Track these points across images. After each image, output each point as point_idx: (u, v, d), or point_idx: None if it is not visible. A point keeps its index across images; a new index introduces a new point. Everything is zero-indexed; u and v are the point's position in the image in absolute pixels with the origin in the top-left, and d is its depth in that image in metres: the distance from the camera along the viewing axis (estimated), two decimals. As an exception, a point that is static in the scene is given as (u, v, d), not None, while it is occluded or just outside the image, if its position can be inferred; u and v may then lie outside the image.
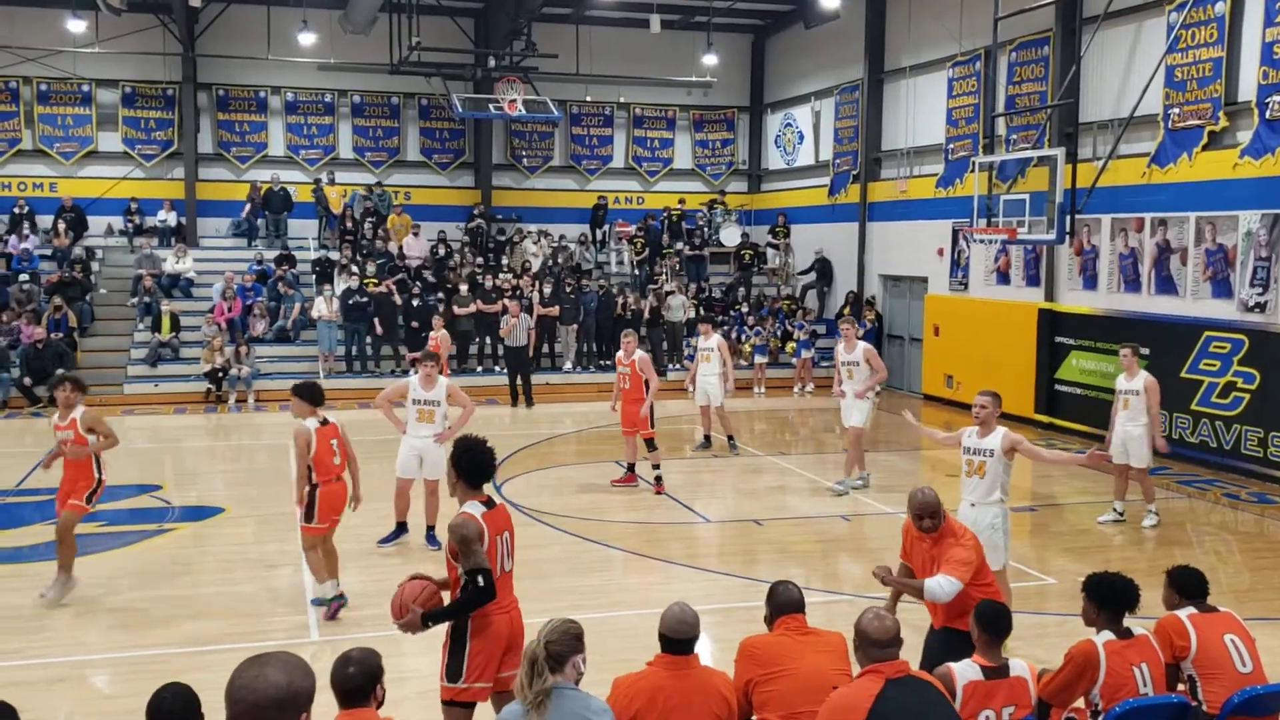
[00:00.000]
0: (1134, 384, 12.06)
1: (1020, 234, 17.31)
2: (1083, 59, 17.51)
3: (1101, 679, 5.31)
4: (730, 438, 16.45)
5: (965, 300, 20.84)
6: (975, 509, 8.19)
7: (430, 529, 11.05)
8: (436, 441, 10.89)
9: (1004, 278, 19.93)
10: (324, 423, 9.04)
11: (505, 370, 21.77)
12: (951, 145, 21.26)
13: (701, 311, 24.04)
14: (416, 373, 11.50)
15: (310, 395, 8.98)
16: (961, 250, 20.99)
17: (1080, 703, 5.44)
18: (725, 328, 23.93)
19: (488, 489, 5.98)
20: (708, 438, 16.71)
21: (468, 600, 5.52)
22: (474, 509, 5.74)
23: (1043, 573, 10.44)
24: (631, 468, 13.96)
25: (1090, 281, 17.87)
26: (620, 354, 13.92)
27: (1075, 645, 5.48)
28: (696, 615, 5.01)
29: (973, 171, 19.16)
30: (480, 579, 5.45)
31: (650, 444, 13.58)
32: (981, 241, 19.01)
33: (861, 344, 13.73)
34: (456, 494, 5.88)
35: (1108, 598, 5.55)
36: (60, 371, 16.56)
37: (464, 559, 5.50)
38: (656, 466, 13.60)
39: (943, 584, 6.26)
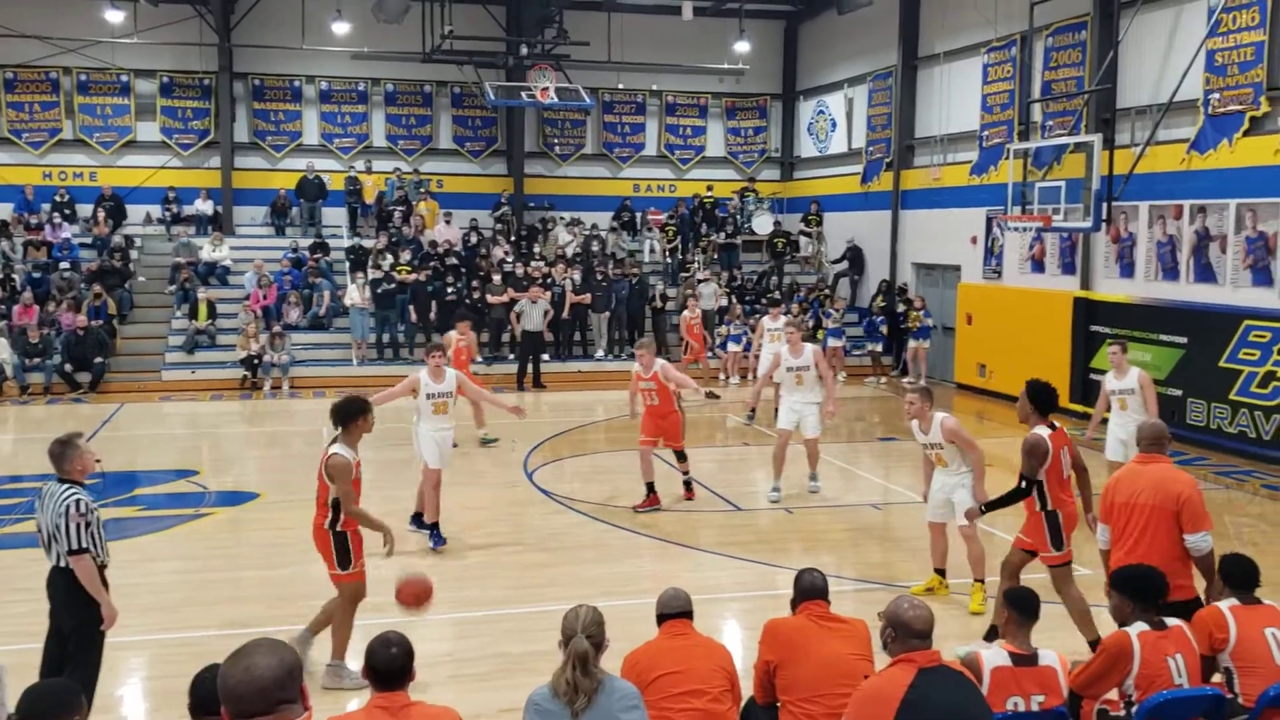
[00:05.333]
0: (1128, 382, 11.42)
1: (1055, 221, 17.14)
2: (1121, 44, 17.30)
3: (1135, 670, 5.27)
4: (777, 410, 16.48)
5: (999, 289, 20.68)
6: (949, 488, 9.04)
7: (418, 514, 11.04)
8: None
9: (1038, 266, 19.76)
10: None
11: (516, 356, 22.10)
12: (986, 132, 21.09)
13: (733, 300, 24.02)
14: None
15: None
16: (995, 238, 20.83)
17: (1114, 694, 5.41)
18: (757, 316, 23.89)
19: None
20: (753, 411, 16.80)
21: (1014, 495, 7.62)
22: (1042, 431, 7.54)
23: (1077, 563, 10.35)
24: (651, 486, 12.25)
25: (1127, 270, 17.69)
26: (638, 368, 12.14)
27: (1108, 636, 5.45)
28: (687, 593, 5.47)
29: (1007, 158, 18.99)
30: (1024, 484, 7.51)
31: (681, 455, 12.54)
32: (1016, 229, 18.86)
33: (810, 346, 12.81)
34: (1029, 421, 7.69)
35: (1137, 590, 5.51)
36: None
37: (1025, 465, 7.46)
38: (686, 473, 12.68)
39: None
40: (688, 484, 12.72)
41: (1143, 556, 6.23)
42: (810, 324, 23.89)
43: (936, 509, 9.17)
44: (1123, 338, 14.81)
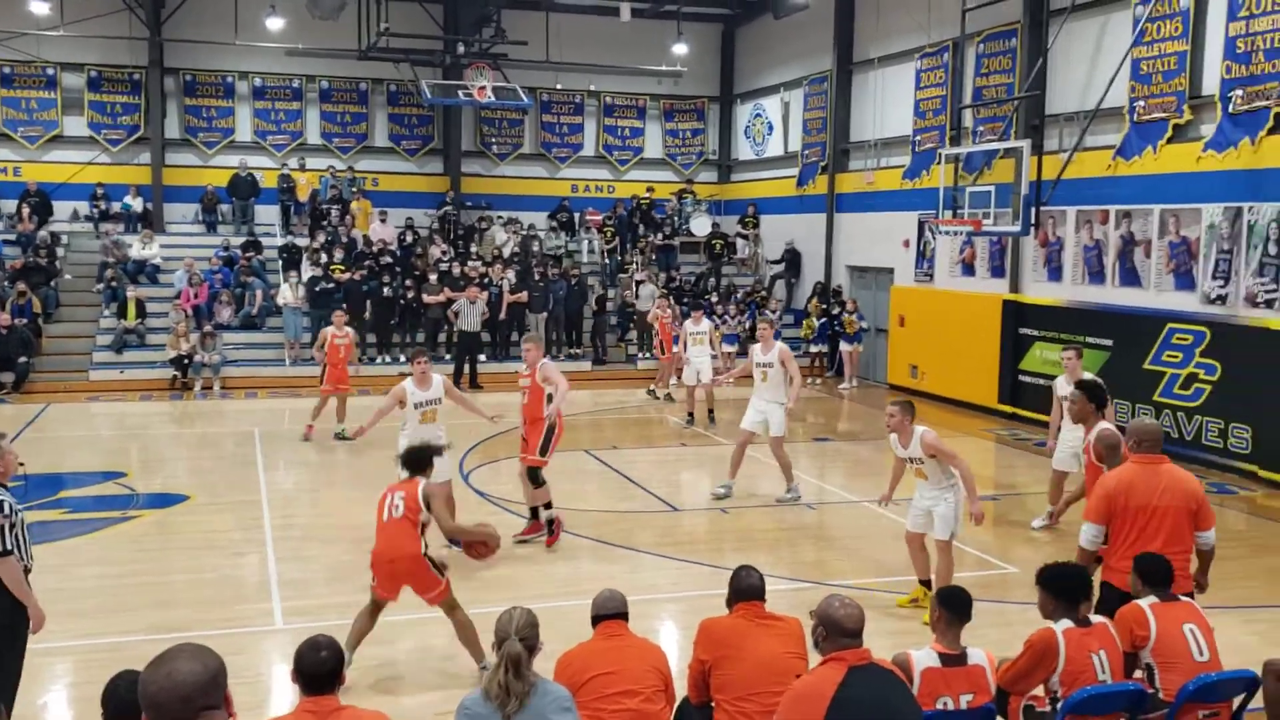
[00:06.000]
0: None
1: (985, 225, 17.42)
2: (1050, 51, 17.63)
3: (1061, 666, 5.38)
4: (710, 411, 17.51)
5: (930, 291, 20.97)
6: (932, 499, 8.80)
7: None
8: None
9: (969, 269, 20.07)
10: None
11: (453, 356, 21.74)
12: (918, 137, 21.37)
13: (671, 301, 24.07)
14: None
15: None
16: (927, 241, 21.12)
17: (1039, 690, 5.51)
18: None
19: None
20: (691, 415, 17.64)
21: None
22: (1106, 426, 8.08)
23: (1005, 561, 10.56)
24: (535, 512, 10.88)
25: (1055, 273, 18.03)
26: (524, 366, 11.00)
27: (1035, 633, 5.54)
28: (623, 594, 5.53)
29: (939, 163, 19.26)
30: None
31: (537, 476, 10.64)
32: (947, 233, 19.12)
33: (778, 345, 12.69)
34: (1088, 420, 8.29)
35: (1063, 588, 5.62)
36: None
37: (1110, 460, 7.60)
38: (548, 506, 10.76)
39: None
40: (550, 522, 10.77)
41: (1170, 557, 6.28)
42: (747, 325, 24.03)
43: (917, 520, 8.95)
44: (1057, 340, 15.11)
